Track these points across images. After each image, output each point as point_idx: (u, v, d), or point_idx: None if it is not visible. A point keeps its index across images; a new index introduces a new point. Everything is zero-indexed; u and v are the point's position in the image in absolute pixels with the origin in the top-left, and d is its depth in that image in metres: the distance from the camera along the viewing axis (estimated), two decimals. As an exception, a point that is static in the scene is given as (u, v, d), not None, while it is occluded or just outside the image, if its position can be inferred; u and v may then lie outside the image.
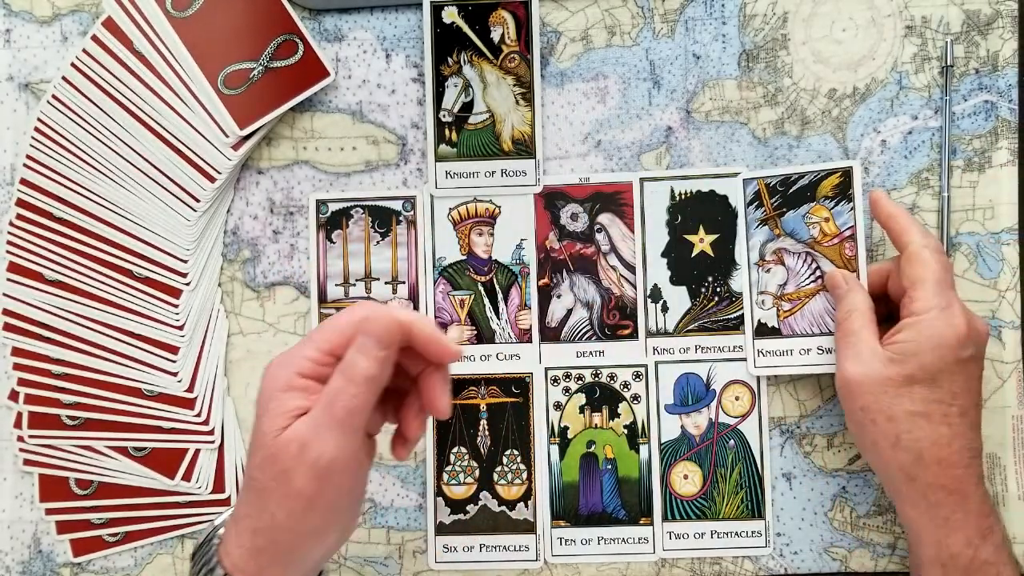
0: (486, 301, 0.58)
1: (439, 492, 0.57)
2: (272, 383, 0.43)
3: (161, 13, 0.56)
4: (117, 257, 0.57)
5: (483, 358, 0.57)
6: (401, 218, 0.58)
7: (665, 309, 0.57)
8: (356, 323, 0.43)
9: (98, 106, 0.56)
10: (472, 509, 0.57)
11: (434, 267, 0.58)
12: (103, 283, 0.57)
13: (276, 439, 0.42)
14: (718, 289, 0.57)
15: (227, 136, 0.56)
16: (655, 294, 0.57)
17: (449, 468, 0.57)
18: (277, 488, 0.42)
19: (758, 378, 0.57)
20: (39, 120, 0.57)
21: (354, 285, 0.58)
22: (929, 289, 0.50)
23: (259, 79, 0.56)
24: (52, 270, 0.57)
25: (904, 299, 0.51)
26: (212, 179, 0.56)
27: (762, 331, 0.57)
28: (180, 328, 0.57)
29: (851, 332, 0.52)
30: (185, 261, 0.57)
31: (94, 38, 0.56)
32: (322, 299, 0.58)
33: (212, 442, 0.57)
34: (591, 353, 0.57)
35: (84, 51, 0.56)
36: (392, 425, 0.48)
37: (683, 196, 0.57)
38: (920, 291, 0.50)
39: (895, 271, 0.52)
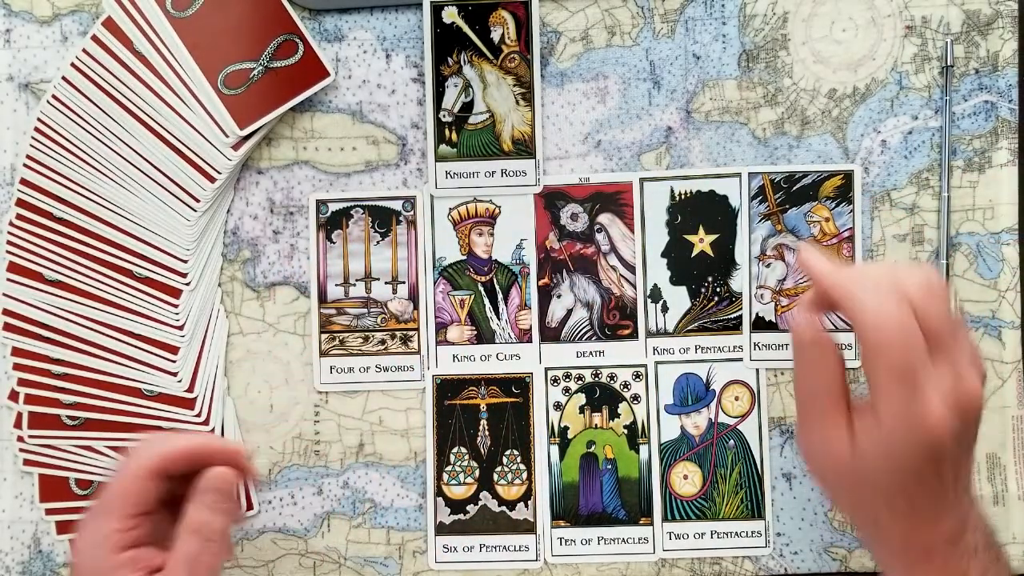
0: (486, 301, 0.58)
1: (439, 492, 0.57)
2: (92, 570, 0.43)
3: (161, 13, 0.56)
4: (117, 257, 0.57)
5: (483, 358, 0.57)
6: (401, 218, 0.58)
7: (665, 309, 0.57)
8: (151, 470, 0.43)
9: (98, 106, 0.56)
10: (472, 509, 0.57)
11: (434, 267, 0.58)
12: (103, 283, 0.57)
13: None
14: (718, 289, 0.57)
15: (227, 136, 0.56)
16: (655, 294, 0.57)
17: (449, 468, 0.57)
18: None
19: (758, 378, 0.57)
20: (39, 120, 0.57)
21: (354, 285, 0.58)
22: (881, 378, 0.40)
23: (259, 79, 0.56)
24: (52, 270, 0.57)
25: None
26: (212, 179, 0.56)
27: (760, 325, 0.57)
28: (180, 328, 0.57)
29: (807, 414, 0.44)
30: (185, 261, 0.57)
31: (94, 38, 0.56)
32: (322, 299, 0.58)
33: (212, 442, 0.57)
34: (591, 353, 0.57)
35: (84, 51, 0.56)
36: None
37: (683, 196, 0.57)
38: (872, 380, 0.40)
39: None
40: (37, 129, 0.57)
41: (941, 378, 0.40)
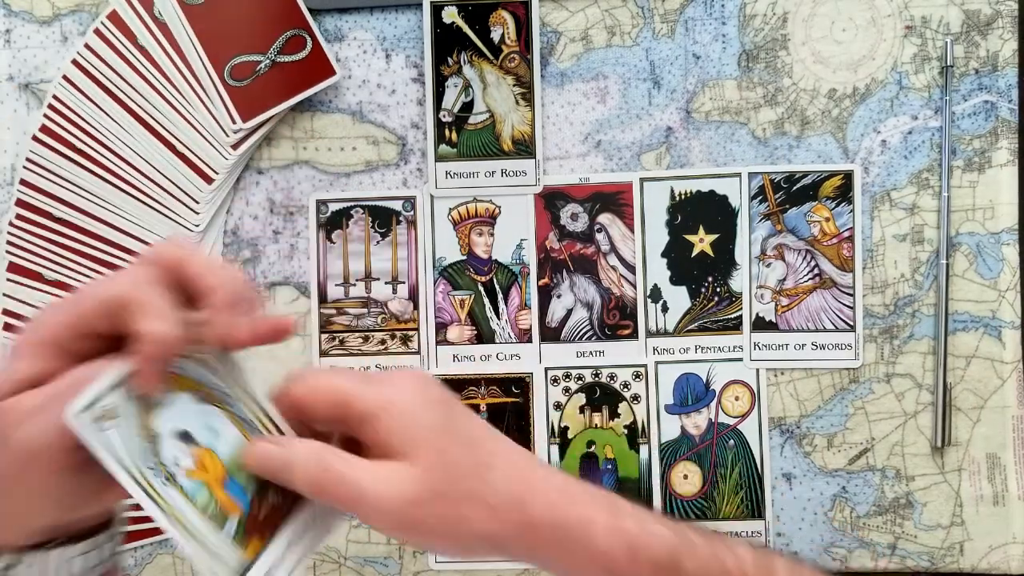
0: (486, 301, 0.58)
1: (439, 492, 0.57)
2: None
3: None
4: (117, 257, 0.57)
5: (483, 358, 0.57)
6: (401, 218, 0.58)
7: (665, 309, 0.57)
8: None
9: (98, 106, 0.56)
10: (472, 509, 0.57)
11: (434, 267, 0.58)
12: (103, 283, 0.57)
13: None
14: (718, 289, 0.57)
15: (232, 123, 0.56)
16: (655, 294, 0.57)
17: (449, 468, 0.57)
18: None
19: (758, 378, 0.57)
20: (45, 116, 0.57)
21: (354, 285, 0.58)
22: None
23: (265, 72, 0.56)
24: (52, 270, 0.57)
25: None
26: (210, 180, 0.56)
27: (760, 325, 0.57)
28: (180, 328, 0.57)
29: None
30: (185, 261, 0.57)
31: (96, 32, 0.55)
32: (322, 299, 0.58)
33: (212, 442, 0.57)
34: (591, 353, 0.57)
35: (86, 45, 0.56)
36: None
37: (683, 196, 0.57)
38: None
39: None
40: (42, 129, 0.57)
41: None
